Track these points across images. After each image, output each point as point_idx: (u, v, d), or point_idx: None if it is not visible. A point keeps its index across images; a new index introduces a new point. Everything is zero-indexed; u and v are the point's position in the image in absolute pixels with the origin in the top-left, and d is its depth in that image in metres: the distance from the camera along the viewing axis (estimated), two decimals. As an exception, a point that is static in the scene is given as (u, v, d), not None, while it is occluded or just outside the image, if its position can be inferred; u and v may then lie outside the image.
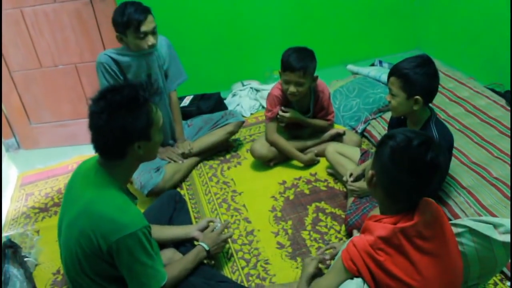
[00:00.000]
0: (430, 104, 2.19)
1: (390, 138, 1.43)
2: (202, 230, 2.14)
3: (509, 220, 1.61)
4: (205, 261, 2.07)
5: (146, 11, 2.45)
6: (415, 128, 2.18)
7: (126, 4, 2.46)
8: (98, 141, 1.56)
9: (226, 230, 2.20)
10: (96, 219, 1.51)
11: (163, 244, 2.04)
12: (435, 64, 2.11)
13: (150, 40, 2.50)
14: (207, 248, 2.00)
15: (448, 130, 2.21)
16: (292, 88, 2.60)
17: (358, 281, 1.42)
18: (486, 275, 1.73)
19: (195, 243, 2.11)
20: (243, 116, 3.48)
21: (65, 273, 1.69)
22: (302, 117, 2.82)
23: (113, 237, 1.48)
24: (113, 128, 1.50)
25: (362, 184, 2.32)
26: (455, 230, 1.64)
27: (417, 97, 2.06)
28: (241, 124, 3.05)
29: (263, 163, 2.89)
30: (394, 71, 2.12)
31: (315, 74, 2.67)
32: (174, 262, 1.90)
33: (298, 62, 2.54)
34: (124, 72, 2.60)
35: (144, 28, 2.44)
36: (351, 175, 2.38)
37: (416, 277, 1.40)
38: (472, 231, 1.64)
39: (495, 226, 1.61)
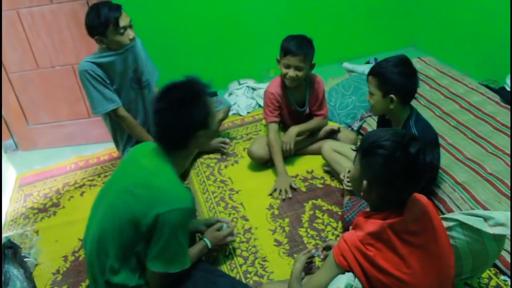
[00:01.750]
0: (427, 103, 2.20)
1: (378, 147, 1.43)
2: (209, 226, 2.17)
3: (499, 213, 1.65)
4: (203, 258, 2.10)
5: (118, 7, 2.50)
6: (397, 127, 2.21)
7: (97, 6, 2.47)
8: (164, 136, 1.70)
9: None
10: (154, 190, 1.64)
11: None
12: (412, 64, 2.14)
13: (130, 33, 2.55)
14: (209, 246, 2.03)
15: (430, 127, 2.21)
16: (291, 72, 2.64)
17: (349, 275, 1.45)
18: (479, 268, 1.76)
19: (197, 237, 2.16)
20: (240, 115, 3.51)
21: (91, 245, 1.74)
22: (299, 133, 2.84)
23: (163, 208, 1.59)
24: (178, 123, 1.66)
25: None
26: (446, 224, 1.68)
27: (392, 96, 2.09)
28: (229, 110, 3.13)
29: (260, 164, 2.91)
30: (372, 70, 2.16)
31: (313, 62, 2.71)
32: None
33: (299, 47, 2.60)
34: (109, 74, 2.60)
35: (122, 23, 2.49)
36: (349, 171, 2.40)
37: (406, 270, 1.43)
38: (462, 225, 1.67)
39: (485, 219, 1.65)
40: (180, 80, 1.74)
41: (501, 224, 1.63)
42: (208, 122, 1.73)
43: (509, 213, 1.67)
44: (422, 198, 1.56)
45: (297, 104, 2.86)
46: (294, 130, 2.82)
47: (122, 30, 2.50)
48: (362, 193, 1.52)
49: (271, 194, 2.67)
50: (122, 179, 1.77)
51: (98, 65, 2.55)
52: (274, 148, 2.75)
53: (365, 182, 1.48)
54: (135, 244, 1.68)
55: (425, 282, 1.46)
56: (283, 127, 2.98)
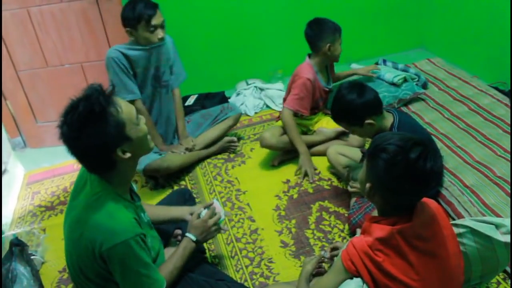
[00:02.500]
0: (436, 105, 2.20)
1: (382, 150, 1.42)
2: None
3: (510, 220, 1.62)
4: (207, 256, 2.05)
5: (155, 6, 2.56)
6: None
7: (136, 0, 2.54)
8: (82, 162, 1.51)
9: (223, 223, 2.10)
10: (89, 227, 1.49)
11: (162, 223, 2.01)
12: (355, 81, 2.21)
13: (160, 33, 2.59)
14: (193, 239, 1.85)
15: (417, 130, 2.13)
16: (340, 48, 2.87)
17: (357, 280, 1.44)
18: (488, 275, 1.74)
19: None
20: (247, 115, 3.50)
21: (68, 272, 1.70)
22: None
23: (104, 245, 1.45)
24: (86, 147, 1.44)
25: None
26: (457, 230, 1.65)
27: (368, 121, 2.10)
28: (239, 117, 3.14)
29: (267, 157, 2.92)
30: (333, 118, 2.26)
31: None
32: (164, 263, 1.82)
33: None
34: (133, 66, 2.66)
35: (154, 21, 2.54)
36: (347, 167, 2.42)
37: (414, 277, 1.42)
38: (473, 232, 1.64)
39: (497, 226, 1.62)
40: (77, 97, 1.47)
41: None
42: (124, 135, 1.47)
43: None
44: (431, 203, 1.55)
45: (325, 83, 2.96)
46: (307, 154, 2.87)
47: (152, 28, 2.55)
48: (367, 197, 1.52)
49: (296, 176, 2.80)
50: (69, 209, 1.63)
51: (125, 55, 2.61)
52: (292, 131, 2.80)
53: (368, 185, 1.47)
54: (104, 278, 1.57)
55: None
56: (313, 111, 3.02)
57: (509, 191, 2.31)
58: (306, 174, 2.78)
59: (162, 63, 2.75)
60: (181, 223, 2.03)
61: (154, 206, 2.06)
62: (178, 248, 1.84)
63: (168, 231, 2.06)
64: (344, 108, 2.13)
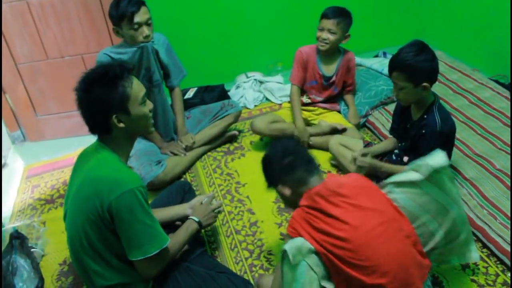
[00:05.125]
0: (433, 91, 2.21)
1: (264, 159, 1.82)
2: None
3: (418, 160, 1.72)
4: (207, 248, 2.07)
5: (139, 2, 2.48)
6: (419, 112, 2.23)
7: None
8: (83, 117, 1.66)
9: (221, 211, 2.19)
10: (96, 182, 1.60)
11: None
12: (428, 45, 2.14)
13: (144, 31, 2.51)
14: (196, 220, 1.95)
15: (450, 116, 2.24)
16: (324, 35, 2.84)
17: (300, 238, 1.59)
18: (452, 232, 1.75)
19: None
20: (247, 108, 3.50)
21: (71, 255, 1.72)
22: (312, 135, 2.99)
23: (112, 195, 1.54)
24: (88, 102, 1.62)
25: (372, 160, 2.37)
26: (384, 191, 1.74)
27: (425, 84, 2.09)
28: (240, 114, 3.13)
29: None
30: (396, 65, 2.13)
31: (348, 33, 2.89)
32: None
33: (335, 12, 2.84)
34: None
35: (137, 19, 2.46)
36: (362, 155, 2.42)
37: (343, 227, 1.52)
38: (397, 184, 1.74)
39: (414, 170, 1.70)
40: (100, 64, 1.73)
41: (424, 166, 1.68)
42: (125, 107, 1.63)
43: (439, 152, 1.72)
44: (355, 179, 1.70)
45: (325, 71, 2.97)
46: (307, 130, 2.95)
47: (136, 26, 2.48)
48: (288, 202, 1.78)
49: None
50: (71, 187, 1.72)
51: (114, 59, 2.55)
52: (294, 102, 2.98)
53: (282, 190, 1.73)
54: (107, 244, 1.63)
55: (369, 231, 1.52)
56: (313, 104, 3.12)
57: (509, 184, 2.32)
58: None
59: (151, 63, 2.70)
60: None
61: (156, 209, 2.07)
62: (181, 228, 1.93)
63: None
64: (413, 61, 2.07)
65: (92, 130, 1.68)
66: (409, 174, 1.71)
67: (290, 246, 1.54)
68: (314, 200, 1.60)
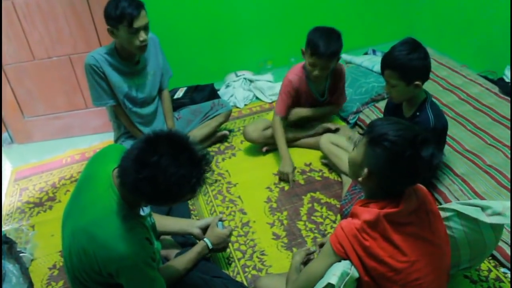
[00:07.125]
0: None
1: (388, 140, 1.39)
2: (203, 228, 2.06)
3: (496, 202, 1.65)
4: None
5: (139, 6, 2.39)
6: (411, 110, 2.22)
7: None
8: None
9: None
10: (97, 245, 1.46)
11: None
12: (420, 43, 2.13)
13: (142, 35, 2.43)
14: (210, 246, 1.94)
15: (443, 113, 2.25)
16: (317, 72, 2.60)
17: (345, 263, 1.46)
18: (476, 258, 1.76)
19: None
20: (237, 107, 3.48)
21: (66, 271, 1.66)
22: (307, 118, 2.90)
23: (113, 265, 1.46)
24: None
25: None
26: (443, 214, 1.68)
27: (417, 82, 2.09)
28: (230, 114, 3.10)
29: (257, 149, 2.91)
30: (388, 64, 2.13)
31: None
32: (175, 261, 1.85)
33: (328, 48, 2.50)
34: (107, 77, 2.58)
35: (137, 23, 2.38)
36: (349, 137, 2.41)
37: (401, 258, 1.43)
38: (460, 215, 1.67)
39: (483, 208, 1.64)
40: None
41: (498, 214, 1.63)
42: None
43: (506, 202, 1.65)
44: (420, 188, 1.56)
45: (318, 93, 2.84)
46: (302, 112, 2.86)
47: (134, 31, 2.39)
48: (360, 179, 1.51)
49: (276, 177, 2.74)
50: (73, 214, 1.59)
51: (101, 64, 2.54)
52: (276, 137, 2.75)
53: (366, 170, 1.46)
54: (110, 281, 1.56)
55: (421, 269, 1.46)
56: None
57: (499, 180, 2.33)
58: (284, 179, 2.69)
59: (141, 87, 2.69)
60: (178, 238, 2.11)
61: (162, 216, 2.05)
62: (193, 252, 1.90)
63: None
64: (405, 60, 2.06)
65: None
66: (477, 212, 1.63)
67: (338, 278, 1.41)
68: (380, 221, 1.42)
